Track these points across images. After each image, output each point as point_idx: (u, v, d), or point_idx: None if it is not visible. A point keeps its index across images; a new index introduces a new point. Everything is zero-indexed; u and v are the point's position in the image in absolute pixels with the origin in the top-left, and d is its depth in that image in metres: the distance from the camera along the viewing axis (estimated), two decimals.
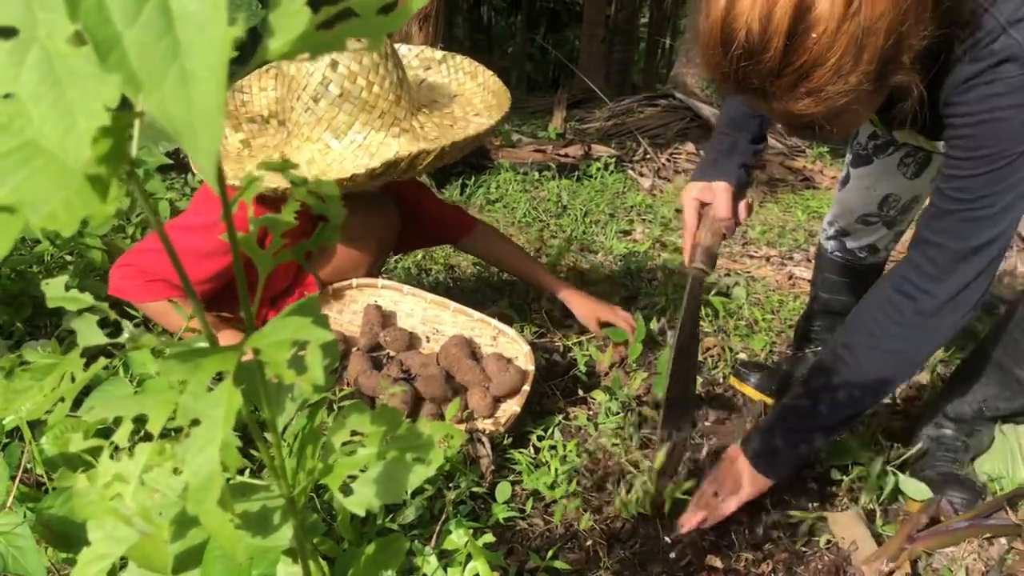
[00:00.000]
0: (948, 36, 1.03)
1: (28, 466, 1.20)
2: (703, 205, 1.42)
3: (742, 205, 1.42)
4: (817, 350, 1.90)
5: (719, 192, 1.40)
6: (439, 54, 1.81)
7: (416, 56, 1.82)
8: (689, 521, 1.36)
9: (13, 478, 1.00)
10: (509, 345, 1.75)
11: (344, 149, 1.46)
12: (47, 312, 1.78)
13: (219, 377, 0.43)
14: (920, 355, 1.23)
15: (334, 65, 1.45)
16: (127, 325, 0.54)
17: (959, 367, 1.58)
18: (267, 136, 1.61)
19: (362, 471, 0.55)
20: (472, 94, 1.72)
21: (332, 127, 1.47)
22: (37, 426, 1.25)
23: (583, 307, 1.96)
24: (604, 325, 1.95)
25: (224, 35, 0.28)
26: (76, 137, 0.31)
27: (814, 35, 0.92)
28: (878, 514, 1.43)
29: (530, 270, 2.03)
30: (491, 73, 1.76)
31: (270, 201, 1.52)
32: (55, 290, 0.56)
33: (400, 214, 1.86)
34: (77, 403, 1.36)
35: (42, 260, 1.93)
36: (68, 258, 1.96)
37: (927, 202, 1.20)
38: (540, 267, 2.05)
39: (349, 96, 1.45)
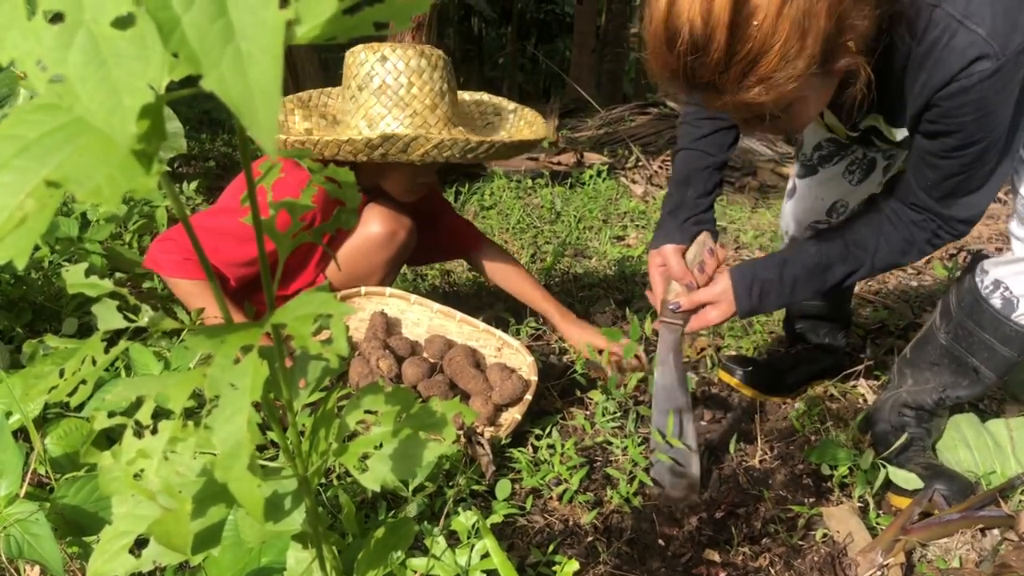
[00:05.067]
0: (893, 24, 1.07)
1: (31, 466, 1.21)
2: (663, 266, 1.48)
3: (707, 257, 1.45)
4: (807, 347, 1.93)
5: (669, 255, 1.46)
6: (512, 105, 1.90)
7: (491, 102, 1.91)
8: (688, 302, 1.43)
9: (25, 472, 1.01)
10: (513, 356, 1.78)
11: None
12: (46, 316, 1.79)
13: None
14: (919, 259, 1.38)
15: (383, 60, 1.55)
16: (146, 309, 0.56)
17: (912, 352, 1.60)
18: (330, 132, 1.70)
19: (377, 449, 0.57)
20: (522, 136, 1.76)
21: (368, 116, 1.57)
22: (41, 427, 1.26)
23: (579, 336, 1.93)
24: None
25: (276, 18, 0.30)
26: (122, 114, 0.33)
27: (755, 23, 0.94)
28: (871, 507, 1.46)
29: (532, 293, 2.02)
30: (543, 121, 1.82)
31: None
32: (76, 276, 0.57)
33: (420, 227, 1.90)
34: (78, 408, 1.38)
35: (41, 266, 1.93)
36: (66, 264, 1.97)
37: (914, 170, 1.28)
38: (541, 291, 2.02)
39: (387, 90, 1.56)
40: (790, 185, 1.80)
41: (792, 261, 1.39)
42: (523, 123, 1.84)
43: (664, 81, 1.09)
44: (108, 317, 0.57)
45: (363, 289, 1.81)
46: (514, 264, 2.06)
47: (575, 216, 3.49)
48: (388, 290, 1.83)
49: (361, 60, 1.58)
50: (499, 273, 2.05)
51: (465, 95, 1.93)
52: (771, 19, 0.94)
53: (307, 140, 1.50)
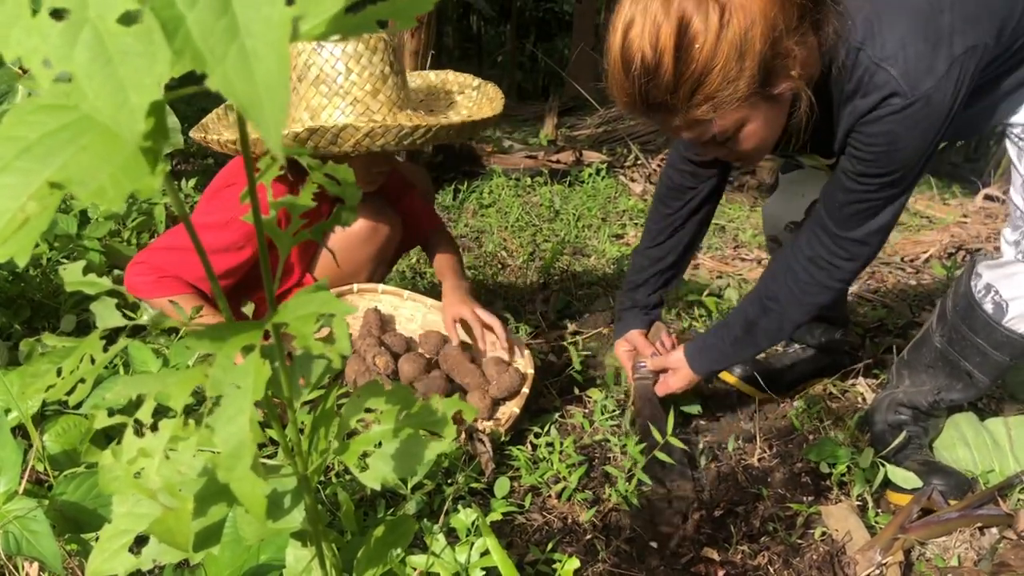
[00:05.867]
0: (832, 59, 1.19)
1: (30, 464, 1.21)
2: (630, 349, 1.75)
3: (664, 338, 1.74)
4: (804, 347, 1.93)
5: (634, 338, 1.74)
6: (476, 81, 1.87)
7: (456, 80, 1.88)
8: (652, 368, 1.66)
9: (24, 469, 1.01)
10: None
11: None
12: (45, 314, 1.79)
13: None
14: (831, 298, 1.44)
15: (319, 48, 1.51)
16: (146, 307, 0.56)
17: (909, 353, 1.62)
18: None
19: (377, 447, 0.57)
20: (482, 114, 1.74)
21: (310, 108, 1.53)
22: (39, 424, 1.26)
23: (449, 307, 1.78)
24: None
25: (281, 14, 0.30)
26: (129, 112, 0.33)
27: (697, 46, 1.07)
28: (870, 506, 1.46)
29: (446, 271, 1.89)
30: (501, 96, 1.79)
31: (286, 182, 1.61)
32: (73, 275, 0.57)
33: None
34: (77, 405, 1.37)
35: (39, 263, 1.93)
36: (64, 261, 1.97)
37: (825, 193, 1.37)
38: (456, 272, 1.89)
39: (325, 80, 1.51)
40: (771, 181, 1.82)
41: (729, 323, 1.54)
42: (485, 99, 1.80)
43: (624, 105, 1.22)
44: (107, 315, 0.57)
45: (355, 286, 1.80)
46: (450, 252, 1.94)
47: (574, 214, 3.49)
48: (381, 287, 1.82)
49: (299, 50, 1.54)
50: (436, 260, 1.94)
51: (431, 75, 1.90)
52: (711, 43, 1.07)
53: (235, 140, 1.49)
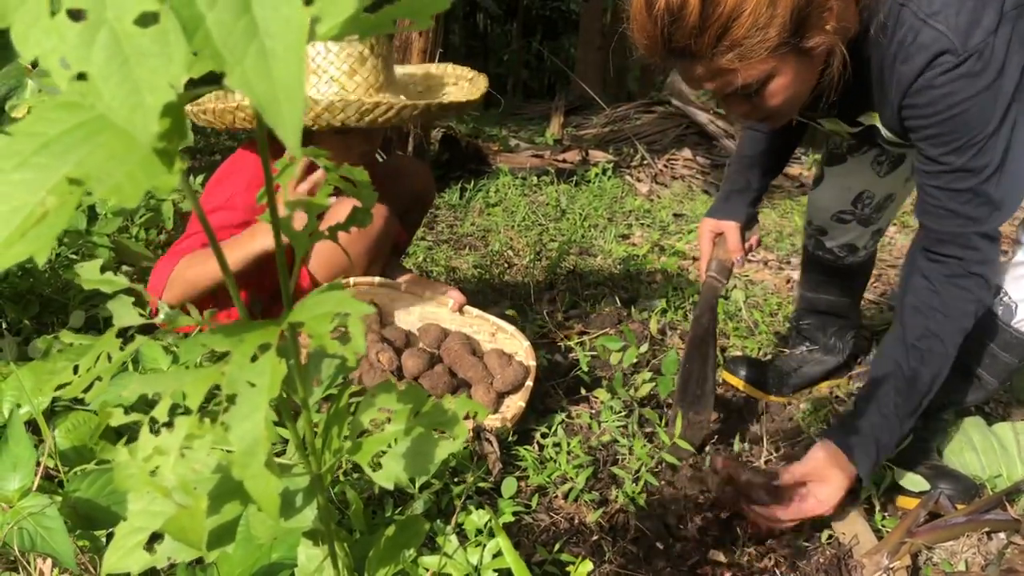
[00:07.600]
0: (871, 17, 1.11)
1: (40, 459, 1.21)
2: (716, 235, 1.64)
3: (752, 239, 1.65)
4: (812, 348, 1.92)
5: (729, 229, 1.61)
6: (471, 73, 1.88)
7: (453, 72, 1.90)
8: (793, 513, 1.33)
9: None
10: (508, 341, 1.77)
11: None
12: (54, 309, 1.80)
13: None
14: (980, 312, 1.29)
15: None
16: (163, 306, 0.56)
17: None
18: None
19: (390, 447, 0.57)
20: (454, 99, 1.75)
21: None
22: (49, 420, 1.27)
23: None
24: None
25: (300, 15, 0.30)
26: (144, 113, 0.33)
27: None
28: (877, 509, 1.45)
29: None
30: (482, 89, 1.79)
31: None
32: (90, 272, 0.57)
33: (387, 187, 1.88)
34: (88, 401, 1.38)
35: (49, 258, 1.94)
36: (73, 257, 1.97)
37: (913, 199, 1.28)
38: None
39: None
40: (817, 173, 1.80)
41: (876, 394, 1.32)
42: (474, 88, 1.81)
43: (645, 48, 1.14)
44: (123, 313, 0.57)
45: (351, 280, 1.80)
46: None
47: (580, 214, 3.49)
48: (377, 280, 1.82)
49: None
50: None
51: (432, 67, 1.92)
52: None
53: (200, 108, 1.50)
